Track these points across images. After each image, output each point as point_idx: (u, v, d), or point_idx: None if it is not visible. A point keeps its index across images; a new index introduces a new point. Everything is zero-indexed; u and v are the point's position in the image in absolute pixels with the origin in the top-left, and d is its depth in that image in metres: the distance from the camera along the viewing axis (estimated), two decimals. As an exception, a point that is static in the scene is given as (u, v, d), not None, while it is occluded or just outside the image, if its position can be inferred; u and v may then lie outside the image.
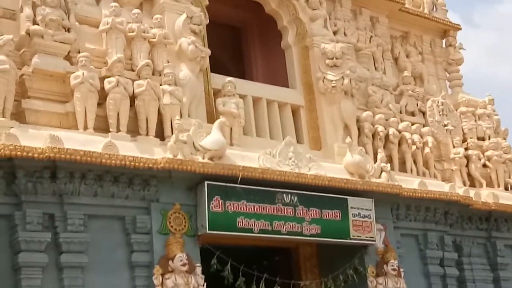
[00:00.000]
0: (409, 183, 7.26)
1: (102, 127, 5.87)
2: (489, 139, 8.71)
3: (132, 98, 6.04)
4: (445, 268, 7.42)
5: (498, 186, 8.45)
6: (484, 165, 8.53)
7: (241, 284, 5.87)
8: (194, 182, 5.81)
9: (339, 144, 7.16)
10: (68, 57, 6.00)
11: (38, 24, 5.89)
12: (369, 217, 6.55)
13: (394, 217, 7.08)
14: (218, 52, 7.35)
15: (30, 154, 5.12)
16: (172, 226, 5.66)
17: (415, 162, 7.90)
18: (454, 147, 8.39)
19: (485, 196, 8.00)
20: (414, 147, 7.88)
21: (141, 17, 6.43)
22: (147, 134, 6.03)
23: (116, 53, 6.08)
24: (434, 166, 8.11)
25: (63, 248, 5.27)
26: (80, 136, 5.57)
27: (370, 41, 8.28)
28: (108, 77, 5.98)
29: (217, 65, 7.16)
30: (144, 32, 6.32)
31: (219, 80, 6.77)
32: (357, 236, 6.45)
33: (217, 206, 5.74)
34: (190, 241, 5.68)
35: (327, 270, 6.63)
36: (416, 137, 7.93)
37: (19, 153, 5.08)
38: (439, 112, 8.44)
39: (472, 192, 7.85)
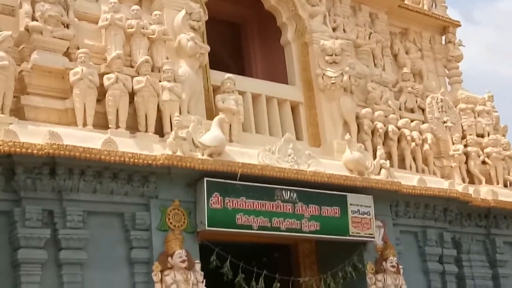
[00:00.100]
0: (408, 180, 7.26)
1: (101, 123, 5.87)
2: (488, 136, 8.71)
3: (131, 94, 6.04)
4: (444, 265, 7.43)
5: (497, 183, 8.45)
6: (484, 162, 8.54)
7: (241, 281, 5.88)
8: (194, 178, 5.81)
9: (339, 140, 7.16)
10: (67, 53, 6.00)
11: (37, 20, 5.88)
12: (368, 214, 6.55)
13: (393, 214, 7.09)
14: (217, 49, 7.34)
15: (29, 151, 5.12)
16: (171, 223, 5.66)
17: (414, 159, 7.90)
18: (453, 144, 8.38)
19: (484, 193, 8.00)
20: (413, 144, 7.87)
21: (140, 13, 6.42)
22: (146, 131, 6.03)
23: (115, 50, 6.07)
24: (434, 163, 8.11)
25: (62, 245, 5.27)
26: (79, 133, 5.57)
27: (369, 38, 8.26)
28: (107, 73, 5.97)
29: (217, 62, 7.15)
30: (143, 28, 6.31)
31: (218, 76, 6.76)
32: (356, 233, 6.46)
33: (216, 202, 5.74)
34: (189, 237, 5.69)
35: (326, 266, 6.63)
36: (415, 134, 7.93)
37: (18, 149, 5.09)
38: (439, 108, 8.44)
39: (471, 189, 7.85)
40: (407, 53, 8.83)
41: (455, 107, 8.72)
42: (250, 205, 5.90)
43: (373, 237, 6.61)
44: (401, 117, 8.01)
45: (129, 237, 5.56)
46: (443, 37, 9.33)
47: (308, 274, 6.81)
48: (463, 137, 8.60)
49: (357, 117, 7.51)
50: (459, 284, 7.57)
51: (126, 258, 5.52)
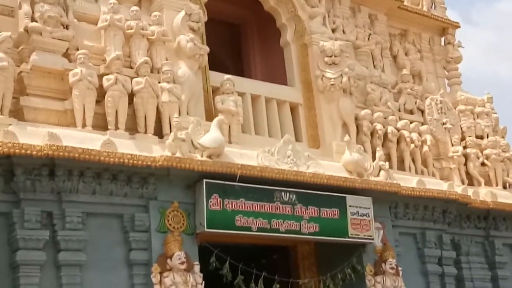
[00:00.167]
0: (408, 181, 7.27)
1: (101, 124, 5.87)
2: (487, 137, 8.71)
3: (131, 95, 6.04)
4: (443, 266, 7.44)
5: (497, 185, 8.46)
6: (483, 164, 8.54)
7: (240, 283, 5.88)
8: (193, 180, 5.81)
9: (338, 142, 7.16)
10: (66, 54, 6.00)
11: (36, 21, 5.88)
12: (367, 215, 6.56)
13: (392, 215, 7.09)
14: (216, 50, 7.34)
15: (28, 152, 5.11)
16: (170, 224, 5.66)
17: (413, 160, 7.91)
18: (452, 145, 8.39)
19: (483, 194, 8.01)
20: (412, 146, 7.88)
21: (140, 14, 6.42)
22: (145, 132, 6.03)
23: (115, 51, 6.07)
24: (433, 165, 8.12)
25: (61, 246, 5.27)
26: (78, 134, 5.57)
27: (369, 39, 8.26)
28: (107, 74, 5.97)
29: (216, 63, 7.15)
30: (142, 29, 6.32)
31: (217, 77, 6.77)
32: (356, 235, 6.46)
33: (215, 204, 5.74)
34: (189, 239, 5.69)
35: (325, 268, 6.63)
36: (414, 136, 7.93)
37: (17, 150, 5.08)
38: (438, 110, 8.44)
39: (470, 191, 7.86)
40: (406, 54, 8.84)
41: (455, 108, 8.72)
42: (249, 207, 5.90)
43: (372, 239, 6.62)
44: (400, 119, 8.02)
45: (128, 238, 5.56)
46: (442, 39, 9.34)
47: (307, 275, 6.81)
48: (462, 138, 8.60)
49: (356, 119, 7.52)
50: (458, 286, 7.58)
51: (125, 259, 5.52)
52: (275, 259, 7.02)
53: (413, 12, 8.87)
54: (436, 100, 8.49)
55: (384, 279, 6.59)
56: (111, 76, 5.93)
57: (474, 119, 8.77)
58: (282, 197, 6.10)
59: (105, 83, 5.92)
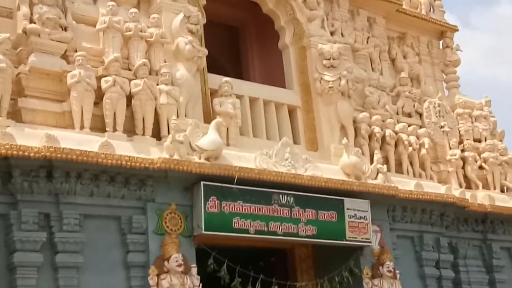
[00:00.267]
0: (405, 184, 7.29)
1: (99, 126, 5.89)
2: (485, 141, 8.75)
3: (129, 97, 6.06)
4: (441, 270, 7.45)
5: (494, 188, 8.48)
6: (480, 167, 8.57)
7: (237, 285, 5.88)
8: (190, 182, 5.82)
9: (336, 145, 7.18)
10: (65, 56, 6.02)
11: (35, 23, 5.90)
12: (365, 218, 6.57)
13: (390, 218, 7.11)
14: (215, 52, 7.39)
15: (26, 153, 5.13)
16: (168, 227, 5.67)
17: (411, 163, 7.94)
18: (450, 148, 8.42)
19: (481, 198, 8.03)
20: (410, 149, 7.91)
21: (138, 16, 6.44)
22: (143, 134, 6.04)
23: (113, 52, 6.09)
24: (431, 168, 8.15)
25: (59, 248, 5.27)
26: (76, 136, 5.58)
27: (367, 42, 8.30)
28: (105, 76, 5.99)
29: (214, 65, 7.19)
30: (141, 31, 6.33)
31: (216, 80, 6.79)
32: (353, 238, 6.48)
33: (213, 206, 5.75)
34: (186, 241, 5.70)
35: (322, 271, 6.65)
36: (412, 139, 7.97)
37: (15, 152, 5.09)
38: (436, 113, 8.47)
39: (468, 194, 7.88)
40: (404, 57, 8.87)
41: (453, 111, 8.75)
42: (247, 209, 5.91)
43: (370, 242, 6.63)
44: (398, 122, 8.05)
45: (125, 240, 5.57)
46: (441, 42, 9.38)
47: (304, 278, 6.83)
48: (460, 142, 8.63)
49: (354, 122, 7.54)
50: (455, 289, 7.62)
51: (122, 261, 5.52)
52: (272, 261, 7.02)
53: (412, 16, 8.91)
54: (434, 103, 8.52)
55: (381, 282, 6.60)
56: (109, 78, 5.95)
57: (472, 122, 8.81)
58: (280, 200, 6.11)
59: (103, 85, 5.94)
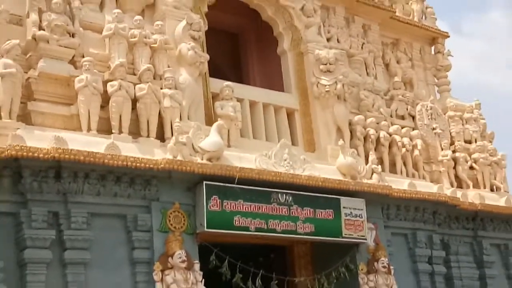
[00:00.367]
0: (399, 184, 7.42)
1: (105, 128, 6.00)
2: (475, 142, 8.87)
3: (134, 101, 6.17)
4: (433, 265, 7.57)
5: (484, 187, 8.61)
6: (471, 167, 8.70)
7: (238, 280, 6.00)
8: (193, 182, 5.94)
9: (332, 146, 7.31)
10: (72, 61, 6.13)
11: (44, 30, 6.01)
12: (360, 216, 6.70)
13: (384, 216, 7.23)
14: (216, 58, 7.46)
15: (35, 155, 5.24)
16: (171, 225, 5.78)
17: (404, 164, 8.06)
18: (442, 149, 8.54)
19: (471, 197, 8.17)
20: (404, 150, 8.04)
21: (143, 23, 6.56)
22: (148, 136, 6.15)
23: (119, 58, 6.20)
24: (423, 168, 8.26)
25: (67, 245, 5.39)
26: (83, 138, 5.70)
27: (362, 48, 8.43)
28: (111, 80, 6.10)
29: (216, 70, 7.28)
30: (145, 37, 6.45)
31: (217, 84, 6.90)
32: (349, 235, 6.60)
33: (215, 205, 5.87)
34: (189, 239, 5.81)
35: (320, 267, 6.76)
36: (406, 140, 8.10)
37: (25, 153, 5.21)
38: (428, 116, 8.59)
39: (459, 193, 8.02)
40: (398, 62, 9.01)
41: (444, 114, 8.86)
42: (248, 208, 6.03)
43: (365, 239, 6.75)
44: (392, 124, 8.17)
45: (131, 238, 5.68)
46: (433, 48, 9.52)
47: (303, 274, 6.93)
48: (452, 143, 8.75)
49: (350, 124, 7.67)
50: (447, 284, 7.71)
51: (128, 258, 5.63)
52: (272, 258, 7.10)
53: (405, 23, 9.05)
54: (427, 106, 8.65)
55: (376, 277, 6.72)
56: (115, 83, 6.06)
57: (463, 124, 8.92)
58: (279, 199, 6.23)
59: (109, 89, 6.05)
